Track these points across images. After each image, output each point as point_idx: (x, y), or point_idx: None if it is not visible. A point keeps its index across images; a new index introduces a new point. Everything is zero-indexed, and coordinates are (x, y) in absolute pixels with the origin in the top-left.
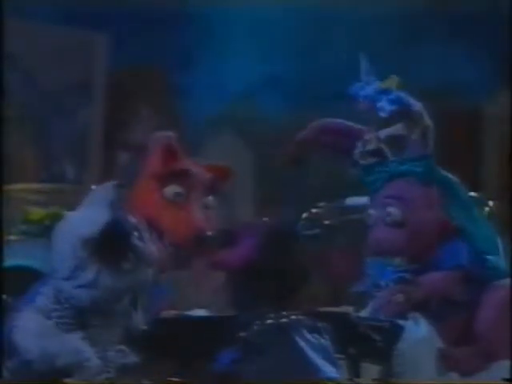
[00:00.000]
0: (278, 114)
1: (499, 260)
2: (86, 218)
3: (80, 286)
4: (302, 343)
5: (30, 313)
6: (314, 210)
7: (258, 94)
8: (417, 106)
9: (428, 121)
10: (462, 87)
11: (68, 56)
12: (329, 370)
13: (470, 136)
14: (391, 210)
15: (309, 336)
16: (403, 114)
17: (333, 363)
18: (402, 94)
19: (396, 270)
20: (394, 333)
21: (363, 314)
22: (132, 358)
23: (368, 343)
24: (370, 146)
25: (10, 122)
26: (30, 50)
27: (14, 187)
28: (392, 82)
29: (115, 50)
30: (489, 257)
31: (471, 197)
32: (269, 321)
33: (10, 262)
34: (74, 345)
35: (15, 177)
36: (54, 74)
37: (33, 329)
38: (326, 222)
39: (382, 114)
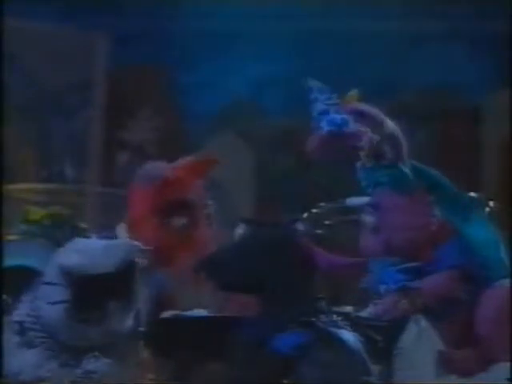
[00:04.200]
0: (277, 114)
1: (497, 258)
2: (90, 250)
3: (50, 303)
4: (350, 337)
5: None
6: (314, 210)
7: (258, 94)
8: (354, 127)
9: (391, 128)
10: (462, 87)
11: (68, 56)
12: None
13: (470, 136)
14: (368, 217)
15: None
16: (344, 136)
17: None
18: (338, 117)
19: (396, 270)
20: (393, 333)
21: (363, 314)
22: (104, 364)
23: (368, 343)
24: (368, 149)
25: (10, 121)
26: (30, 50)
27: (14, 187)
28: (352, 96)
29: (115, 49)
30: (486, 254)
31: (466, 196)
32: (330, 314)
33: (9, 261)
34: (34, 361)
35: (15, 177)
36: (54, 74)
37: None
38: (326, 222)
39: (323, 132)
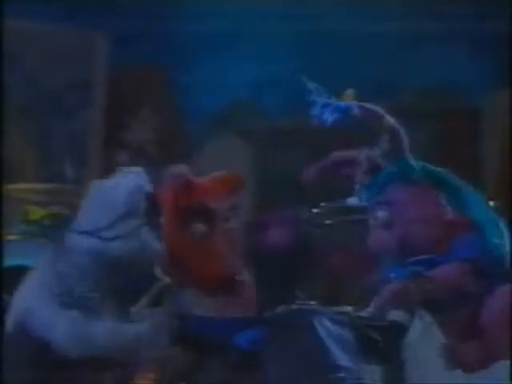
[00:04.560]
0: (278, 114)
1: (506, 247)
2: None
3: (116, 237)
4: (321, 329)
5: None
6: (314, 210)
7: (258, 94)
8: (359, 111)
9: (391, 122)
10: (462, 87)
11: (68, 56)
12: (343, 359)
13: (470, 136)
14: (379, 213)
15: (329, 325)
16: (351, 118)
17: (351, 355)
18: (343, 103)
19: (407, 263)
20: (395, 333)
21: (364, 313)
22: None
23: (369, 343)
24: (365, 167)
25: (9, 121)
26: (30, 50)
27: (14, 187)
28: (349, 95)
29: (115, 49)
30: (497, 242)
31: (473, 189)
32: (294, 306)
33: (9, 261)
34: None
35: (15, 177)
36: (54, 74)
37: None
38: (326, 222)
39: (328, 124)
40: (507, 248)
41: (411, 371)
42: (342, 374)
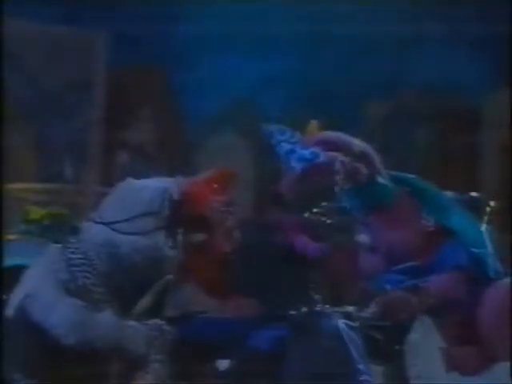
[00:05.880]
0: (277, 114)
1: (488, 254)
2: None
3: (131, 233)
4: (343, 334)
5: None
6: (314, 210)
7: (258, 94)
8: (324, 156)
9: (359, 146)
10: (462, 87)
11: (68, 56)
12: (361, 362)
13: (470, 136)
14: (361, 238)
15: (346, 329)
16: (317, 167)
17: (362, 357)
18: (307, 152)
19: (397, 270)
20: (397, 333)
21: (365, 314)
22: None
23: (370, 343)
24: (343, 172)
25: (9, 121)
26: (30, 50)
27: (14, 187)
28: (312, 129)
29: (115, 49)
30: (479, 251)
31: (446, 196)
32: (316, 308)
33: (9, 261)
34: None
35: (15, 177)
36: (54, 74)
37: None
38: (326, 222)
39: (297, 171)
40: (491, 253)
41: (413, 371)
42: (362, 377)
